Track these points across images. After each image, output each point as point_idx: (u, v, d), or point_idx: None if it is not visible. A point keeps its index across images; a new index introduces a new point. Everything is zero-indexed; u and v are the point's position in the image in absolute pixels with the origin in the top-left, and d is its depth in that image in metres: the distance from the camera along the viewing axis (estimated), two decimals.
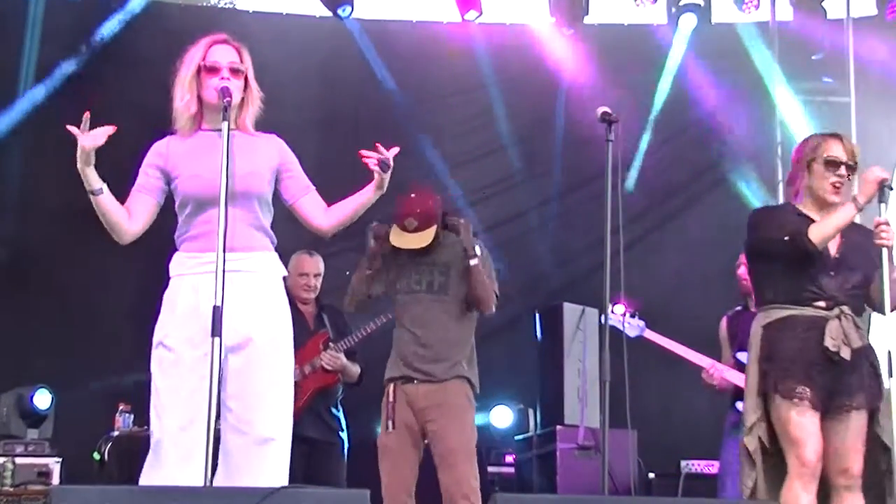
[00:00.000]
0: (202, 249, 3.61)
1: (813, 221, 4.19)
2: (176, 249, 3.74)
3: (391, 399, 5.02)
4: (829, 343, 4.05)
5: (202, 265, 3.59)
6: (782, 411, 4.08)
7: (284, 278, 3.83)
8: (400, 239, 5.03)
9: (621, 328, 4.82)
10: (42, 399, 6.66)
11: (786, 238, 4.13)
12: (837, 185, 4.20)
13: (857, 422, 4.11)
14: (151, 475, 3.54)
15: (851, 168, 4.25)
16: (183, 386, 3.53)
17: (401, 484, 4.97)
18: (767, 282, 4.27)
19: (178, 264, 3.69)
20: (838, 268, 4.18)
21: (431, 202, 5.09)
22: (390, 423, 4.99)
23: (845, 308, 4.14)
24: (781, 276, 4.19)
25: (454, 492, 4.88)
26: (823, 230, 4.12)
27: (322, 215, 3.80)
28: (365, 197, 3.74)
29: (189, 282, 3.62)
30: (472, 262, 5.02)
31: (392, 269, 5.17)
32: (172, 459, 3.51)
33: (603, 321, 4.21)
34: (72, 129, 3.50)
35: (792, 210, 4.28)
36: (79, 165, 3.54)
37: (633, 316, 4.84)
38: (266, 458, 3.56)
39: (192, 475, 3.40)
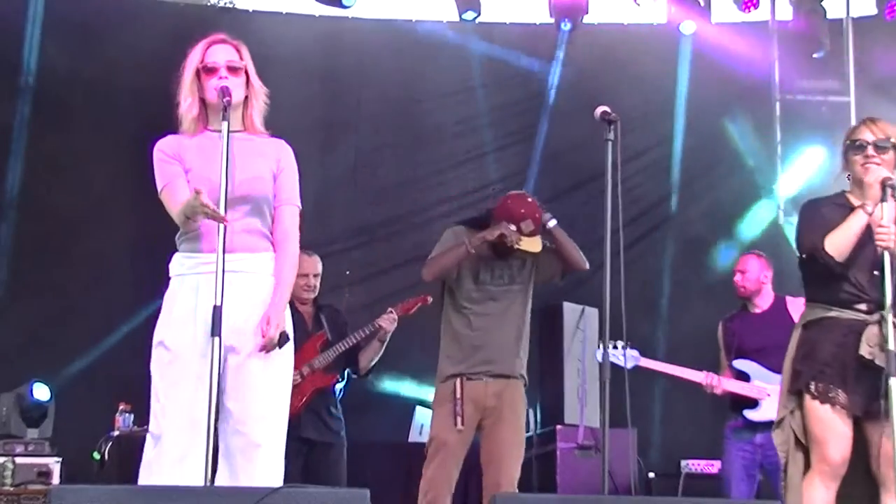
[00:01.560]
0: (201, 250, 3.61)
1: (851, 209, 4.16)
2: (175, 250, 3.73)
3: (458, 395, 5.00)
4: (864, 351, 3.99)
5: (201, 265, 3.59)
6: (812, 409, 4.08)
7: None
8: (521, 242, 5.10)
9: (622, 363, 4.87)
10: (41, 392, 6.66)
11: (803, 256, 4.13)
12: (865, 164, 4.18)
13: None
14: (149, 474, 3.53)
15: (880, 147, 4.21)
16: (182, 386, 3.53)
17: (446, 480, 5.01)
18: (813, 280, 4.23)
19: (178, 265, 3.68)
20: (883, 266, 4.03)
21: (539, 207, 5.21)
22: (459, 419, 4.97)
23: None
24: (823, 275, 4.14)
25: (499, 489, 4.88)
26: (837, 241, 4.09)
27: (277, 233, 3.71)
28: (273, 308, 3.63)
29: (189, 282, 3.61)
30: (551, 223, 5.13)
31: (473, 259, 5.18)
32: (172, 459, 3.51)
33: (601, 321, 4.22)
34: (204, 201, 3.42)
35: (835, 201, 4.25)
36: (187, 214, 3.49)
37: (624, 348, 4.89)
38: (259, 461, 3.56)
39: (190, 475, 3.40)
